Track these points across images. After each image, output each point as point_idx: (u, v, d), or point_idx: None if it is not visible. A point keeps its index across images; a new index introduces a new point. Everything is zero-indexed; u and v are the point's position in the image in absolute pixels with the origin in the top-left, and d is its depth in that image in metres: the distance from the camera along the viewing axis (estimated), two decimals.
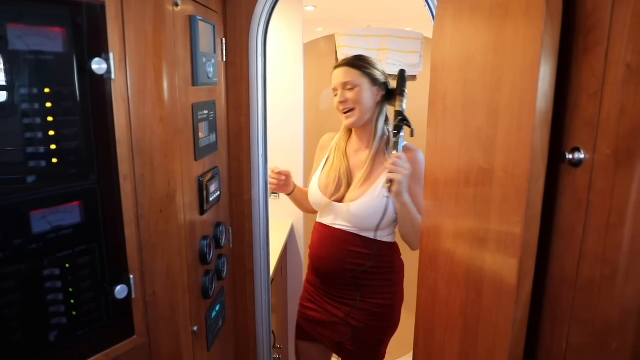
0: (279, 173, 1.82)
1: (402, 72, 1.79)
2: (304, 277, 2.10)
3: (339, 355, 1.90)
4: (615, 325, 0.66)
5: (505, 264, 0.84)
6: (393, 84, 1.79)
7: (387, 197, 1.63)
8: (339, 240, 1.77)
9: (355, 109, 1.73)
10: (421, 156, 1.73)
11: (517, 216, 0.79)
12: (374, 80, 1.75)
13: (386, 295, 1.79)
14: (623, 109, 0.63)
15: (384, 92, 1.78)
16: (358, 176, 1.77)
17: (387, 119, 1.81)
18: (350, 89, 1.73)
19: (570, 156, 0.73)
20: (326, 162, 1.88)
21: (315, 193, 1.83)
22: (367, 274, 1.76)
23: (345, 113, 1.75)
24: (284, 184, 1.86)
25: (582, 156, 0.71)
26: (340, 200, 1.78)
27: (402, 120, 1.68)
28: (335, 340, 1.84)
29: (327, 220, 1.81)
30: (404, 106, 1.72)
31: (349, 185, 1.79)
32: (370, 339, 1.82)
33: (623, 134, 0.63)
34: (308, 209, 1.98)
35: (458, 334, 1.06)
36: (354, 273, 1.76)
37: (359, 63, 1.75)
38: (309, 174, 1.97)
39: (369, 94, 1.74)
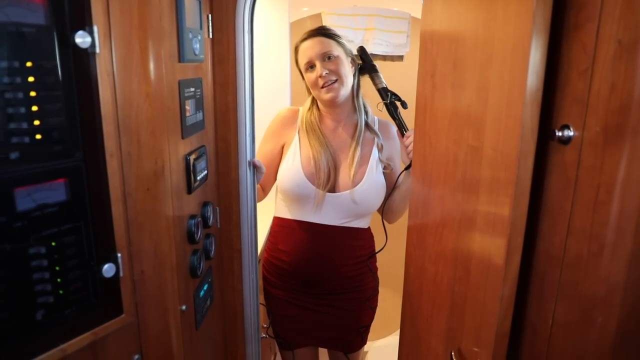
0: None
1: (362, 48, 1.68)
2: None
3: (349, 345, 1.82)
4: (601, 300, 0.68)
5: (493, 242, 0.85)
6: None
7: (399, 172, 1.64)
8: (339, 237, 1.64)
9: (338, 81, 1.57)
10: (394, 129, 1.67)
11: (506, 194, 0.79)
12: (347, 51, 1.63)
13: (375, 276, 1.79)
14: (613, 85, 0.63)
15: (355, 66, 1.66)
16: (349, 159, 1.63)
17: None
18: (330, 60, 1.57)
19: (560, 133, 0.73)
20: (300, 146, 1.65)
21: (303, 185, 1.59)
22: (374, 258, 1.73)
23: (326, 87, 1.57)
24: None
25: (571, 133, 0.72)
26: (333, 189, 1.61)
27: (393, 96, 1.59)
28: (360, 327, 1.78)
29: (313, 216, 1.63)
30: (384, 81, 1.64)
31: (336, 171, 1.62)
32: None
33: (613, 110, 0.63)
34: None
35: (445, 311, 1.07)
36: (361, 265, 1.69)
37: (330, 32, 1.61)
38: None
39: (347, 66, 1.61)
